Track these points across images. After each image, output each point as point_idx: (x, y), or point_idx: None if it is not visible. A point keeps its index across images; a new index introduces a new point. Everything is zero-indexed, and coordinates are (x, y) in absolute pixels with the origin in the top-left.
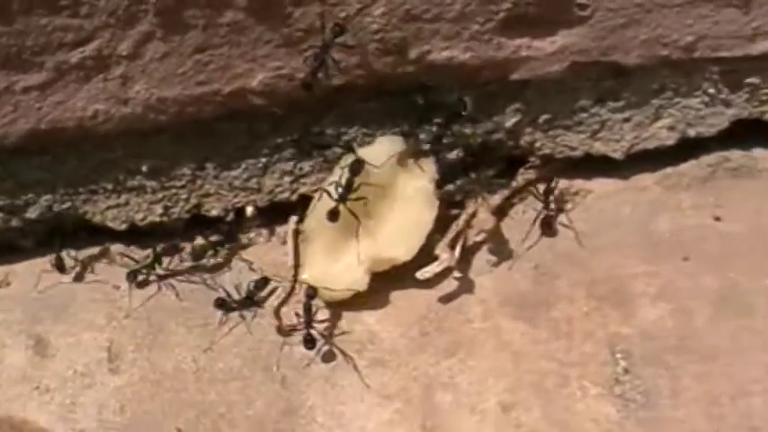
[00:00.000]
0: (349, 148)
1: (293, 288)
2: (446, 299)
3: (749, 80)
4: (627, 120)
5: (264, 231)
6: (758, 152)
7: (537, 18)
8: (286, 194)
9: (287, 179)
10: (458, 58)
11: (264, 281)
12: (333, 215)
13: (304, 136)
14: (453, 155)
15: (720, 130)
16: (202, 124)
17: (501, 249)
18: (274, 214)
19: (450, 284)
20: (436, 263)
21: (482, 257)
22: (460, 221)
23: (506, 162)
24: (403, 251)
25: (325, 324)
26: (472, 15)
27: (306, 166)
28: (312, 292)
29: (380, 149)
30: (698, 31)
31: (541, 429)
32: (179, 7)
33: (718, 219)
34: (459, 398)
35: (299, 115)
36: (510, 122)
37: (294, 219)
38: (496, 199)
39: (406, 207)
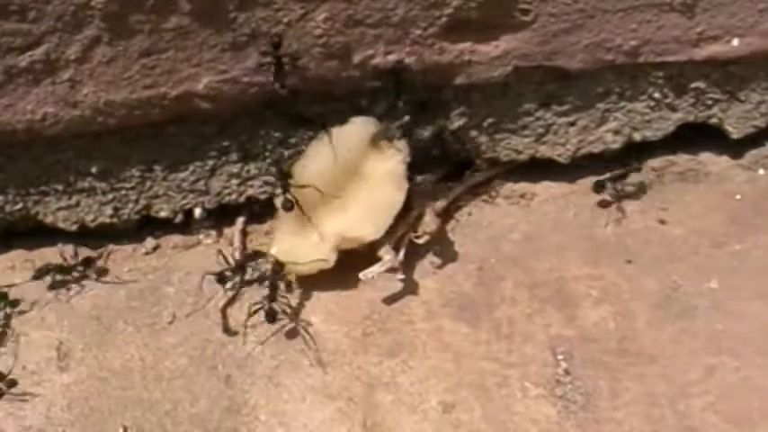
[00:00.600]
0: (323, 127)
1: (240, 288)
2: (390, 300)
3: (694, 85)
4: (572, 124)
5: (213, 232)
6: (705, 156)
7: (480, 23)
8: (233, 196)
9: (234, 181)
10: (404, 63)
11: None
12: (286, 205)
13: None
14: (425, 136)
15: (666, 134)
16: (150, 127)
17: (445, 251)
18: (223, 215)
19: (394, 286)
20: (379, 264)
21: (427, 259)
22: (405, 223)
23: (453, 165)
24: (371, 230)
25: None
26: (415, 20)
27: (252, 168)
28: (278, 267)
29: (353, 130)
30: (642, 36)
31: (481, 429)
32: (124, 12)
33: (662, 222)
34: (400, 397)
35: (246, 118)
36: (455, 126)
37: (241, 220)
38: (442, 202)
39: (376, 187)
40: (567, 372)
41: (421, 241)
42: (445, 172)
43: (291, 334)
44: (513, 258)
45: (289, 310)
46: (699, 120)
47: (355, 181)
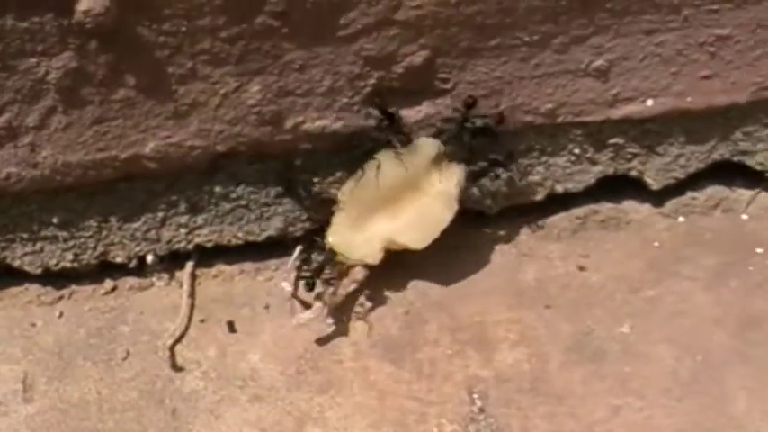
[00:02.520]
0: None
1: (188, 327)
2: (322, 341)
3: (613, 141)
4: (496, 176)
5: (165, 276)
6: (627, 204)
7: (402, 91)
8: (182, 244)
9: (183, 231)
10: (330, 127)
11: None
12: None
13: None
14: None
15: (588, 185)
16: (104, 184)
17: (376, 296)
18: (174, 260)
19: (326, 328)
20: (310, 311)
21: (358, 303)
22: (336, 272)
23: None
24: (417, 240)
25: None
26: (341, 90)
27: (199, 219)
28: (330, 255)
29: (421, 148)
30: (558, 99)
31: None
32: (76, 86)
33: (582, 268)
34: (327, 431)
35: (191, 176)
36: None
37: (190, 264)
38: None
39: (429, 203)
40: (481, 410)
41: (350, 288)
42: None
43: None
44: (439, 303)
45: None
46: (619, 172)
47: (412, 193)
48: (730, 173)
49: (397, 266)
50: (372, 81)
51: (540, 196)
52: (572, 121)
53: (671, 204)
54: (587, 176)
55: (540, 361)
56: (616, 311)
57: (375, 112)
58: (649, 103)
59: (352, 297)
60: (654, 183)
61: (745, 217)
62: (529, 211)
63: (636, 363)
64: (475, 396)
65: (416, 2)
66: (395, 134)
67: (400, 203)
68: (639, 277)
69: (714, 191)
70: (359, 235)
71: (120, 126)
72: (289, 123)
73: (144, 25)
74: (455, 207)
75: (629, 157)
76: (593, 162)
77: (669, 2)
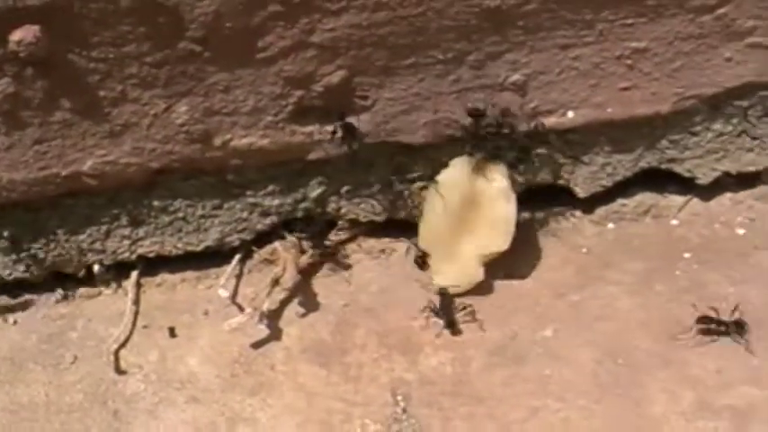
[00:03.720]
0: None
1: (131, 333)
2: (256, 345)
3: (538, 151)
4: (424, 188)
5: (113, 284)
6: (559, 211)
7: (324, 108)
8: (126, 254)
9: (126, 242)
10: (257, 144)
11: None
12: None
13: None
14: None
15: (517, 192)
16: (49, 199)
17: (308, 302)
18: (121, 270)
19: (261, 333)
20: (240, 316)
21: (292, 309)
22: (269, 279)
23: (320, 225)
24: (502, 242)
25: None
26: (265, 108)
27: (141, 231)
28: (445, 291)
29: (456, 170)
30: None
31: None
32: (15, 110)
33: (510, 275)
34: (257, 430)
35: (130, 191)
36: (314, 193)
37: (135, 274)
38: (306, 258)
39: (492, 206)
40: (404, 410)
41: (281, 296)
42: (313, 232)
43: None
44: (369, 309)
45: None
46: (546, 181)
47: (473, 206)
48: (664, 180)
49: (329, 275)
50: (294, 100)
51: None
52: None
53: (601, 211)
54: (515, 186)
55: (463, 364)
56: (540, 316)
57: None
58: (570, 114)
59: (285, 304)
60: (581, 191)
61: (675, 222)
62: None
63: (557, 366)
64: (399, 398)
65: (330, 25)
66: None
67: (470, 221)
68: (566, 283)
69: (645, 197)
70: (456, 266)
71: (59, 146)
72: (217, 141)
73: (75, 53)
74: (513, 196)
75: (555, 166)
76: (521, 172)
77: (582, 17)
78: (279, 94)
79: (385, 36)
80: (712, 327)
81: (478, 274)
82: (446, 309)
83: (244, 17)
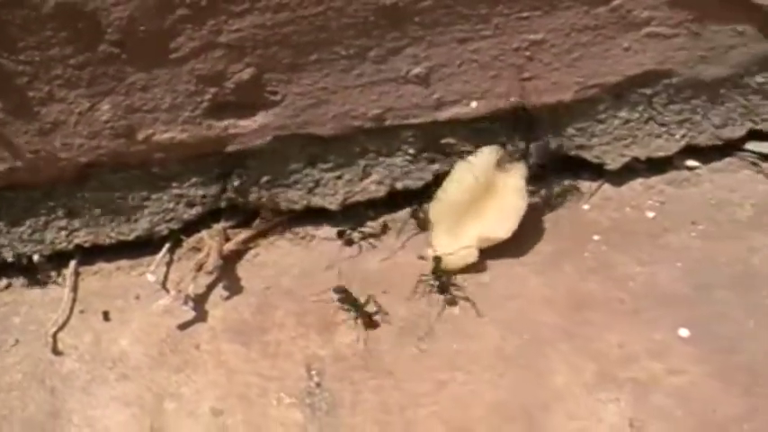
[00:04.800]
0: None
1: (69, 317)
2: (182, 326)
3: (445, 140)
4: (339, 177)
5: (53, 273)
6: None
7: (237, 104)
8: (64, 245)
9: (63, 233)
10: (177, 138)
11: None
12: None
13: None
14: (536, 161)
15: (427, 182)
16: None
17: (233, 286)
18: (61, 260)
19: (187, 315)
20: (165, 298)
21: (217, 292)
22: (193, 264)
23: (246, 214)
24: (503, 231)
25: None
26: (182, 105)
27: (76, 222)
28: (439, 263)
29: (484, 156)
30: (384, 105)
31: (241, 430)
32: None
33: (422, 258)
34: (181, 405)
35: (64, 185)
36: (235, 184)
37: (73, 263)
38: (229, 245)
39: (504, 198)
40: (318, 384)
41: (207, 281)
42: (237, 221)
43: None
44: (288, 291)
45: None
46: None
47: (488, 194)
48: (577, 166)
49: (253, 260)
50: (208, 96)
51: (381, 193)
52: (400, 123)
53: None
54: (425, 174)
55: (375, 341)
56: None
57: None
58: (474, 104)
59: (212, 288)
60: None
61: (586, 207)
62: (374, 206)
63: (464, 341)
64: (313, 373)
65: (235, 26)
66: None
67: (480, 206)
68: (477, 264)
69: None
70: (456, 242)
71: None
72: (140, 136)
73: (3, 57)
74: (526, 196)
75: (463, 154)
76: (431, 160)
77: (478, 12)
78: (194, 91)
79: (288, 35)
80: None
81: (473, 256)
82: (438, 276)
83: (156, 20)
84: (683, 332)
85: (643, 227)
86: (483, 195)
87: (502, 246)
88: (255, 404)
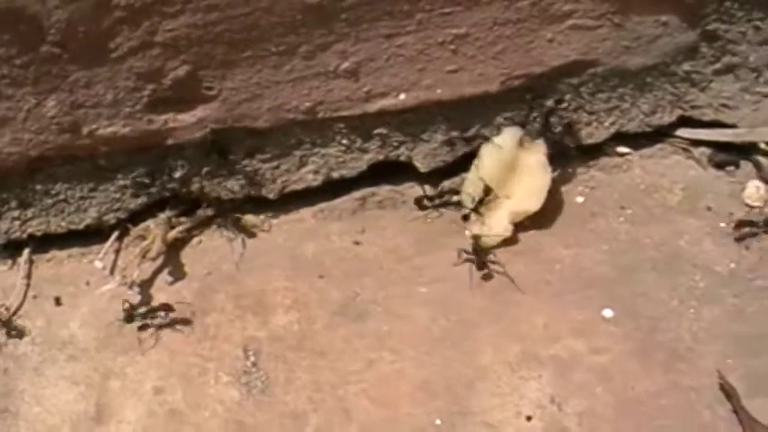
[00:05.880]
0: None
1: (23, 303)
2: None
3: (377, 131)
4: (276, 168)
5: (9, 261)
6: (406, 186)
7: (176, 99)
8: (18, 234)
9: (16, 223)
10: (120, 132)
11: None
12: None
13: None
14: (557, 136)
15: (361, 171)
16: None
17: (177, 271)
18: (17, 248)
19: (134, 299)
20: (109, 284)
21: (162, 278)
22: (137, 251)
23: (191, 203)
24: (534, 204)
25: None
26: (123, 100)
27: (29, 213)
28: (478, 237)
29: (507, 137)
30: (315, 98)
31: (180, 407)
32: None
33: (357, 243)
34: (125, 384)
35: (15, 177)
36: (177, 175)
37: (27, 251)
38: (173, 233)
39: (530, 174)
40: (254, 364)
41: (153, 267)
42: (182, 210)
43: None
44: (229, 276)
45: None
46: (390, 158)
47: (514, 173)
48: None
49: (196, 247)
50: (147, 92)
51: (317, 182)
52: (332, 116)
53: (446, 184)
54: (360, 163)
55: (309, 323)
56: (383, 279)
57: None
58: (402, 96)
59: (157, 274)
60: (422, 166)
61: None
62: (314, 195)
63: (394, 323)
64: (249, 353)
65: (170, 26)
66: None
67: (509, 183)
68: (408, 249)
69: None
70: (489, 219)
71: None
72: (85, 130)
73: None
74: (550, 169)
75: (395, 144)
76: (363, 150)
77: (401, 9)
78: (133, 87)
79: (220, 33)
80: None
81: (508, 229)
82: (477, 252)
83: (94, 22)
84: (608, 312)
85: (572, 212)
86: (510, 174)
87: (434, 230)
88: (195, 383)
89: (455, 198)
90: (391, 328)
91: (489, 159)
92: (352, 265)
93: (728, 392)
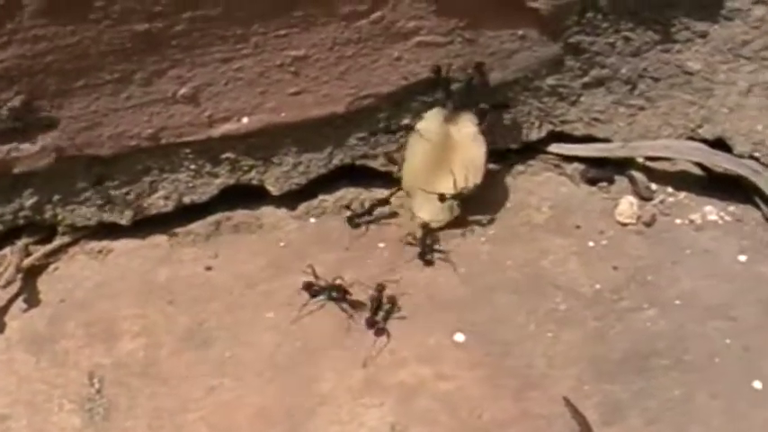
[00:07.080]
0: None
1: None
2: None
3: (226, 155)
4: (127, 194)
5: None
6: (265, 209)
7: (15, 129)
8: None
9: None
10: None
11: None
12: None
13: None
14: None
15: (212, 196)
16: None
17: (31, 298)
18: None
19: None
20: None
21: (16, 305)
22: None
23: (48, 230)
24: (473, 177)
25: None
26: None
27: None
28: (427, 225)
29: (429, 121)
30: (157, 124)
31: None
32: None
33: (209, 268)
34: None
35: None
36: (29, 203)
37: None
38: (29, 260)
39: (464, 148)
40: (98, 391)
41: (8, 295)
42: (38, 237)
43: None
44: (82, 303)
45: None
46: (241, 182)
47: (448, 150)
48: (370, 174)
49: (52, 274)
50: None
51: (169, 208)
52: (176, 141)
53: (303, 207)
54: (210, 188)
55: (155, 349)
56: (231, 305)
57: None
58: (245, 120)
59: (13, 301)
60: (274, 189)
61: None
62: (168, 221)
63: (238, 349)
64: (94, 380)
65: (1, 57)
66: None
67: (445, 163)
68: (259, 274)
69: (347, 192)
70: (434, 201)
71: None
72: None
73: None
74: (482, 140)
75: (246, 168)
76: (214, 175)
77: (234, 33)
78: None
79: (51, 63)
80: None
81: (457, 210)
82: (423, 240)
83: None
84: (459, 337)
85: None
86: (444, 153)
87: (286, 255)
88: (40, 410)
89: (387, 209)
90: (235, 354)
91: (418, 148)
92: (202, 290)
93: (579, 422)
